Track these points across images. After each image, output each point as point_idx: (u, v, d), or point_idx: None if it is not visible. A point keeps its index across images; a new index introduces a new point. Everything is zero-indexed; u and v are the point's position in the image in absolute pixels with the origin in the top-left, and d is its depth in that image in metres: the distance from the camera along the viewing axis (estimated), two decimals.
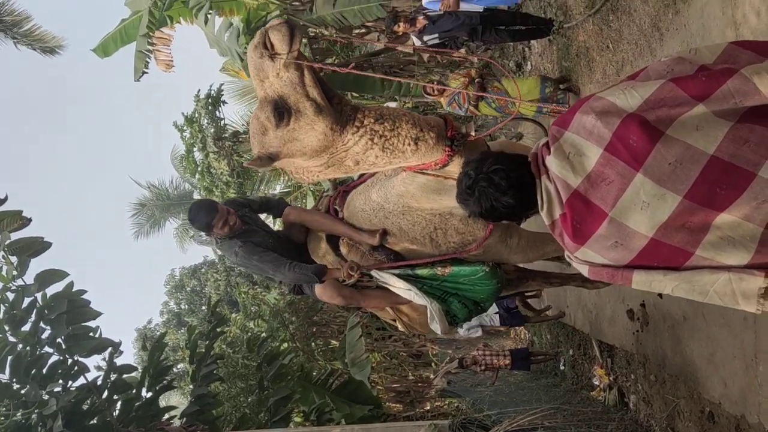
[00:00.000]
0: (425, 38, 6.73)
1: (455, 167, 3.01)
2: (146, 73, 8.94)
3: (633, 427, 5.35)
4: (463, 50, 7.93)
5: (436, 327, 3.58)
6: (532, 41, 8.15)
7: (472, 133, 3.25)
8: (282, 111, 2.76)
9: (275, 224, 5.93)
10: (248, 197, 4.43)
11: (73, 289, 5.45)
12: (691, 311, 4.29)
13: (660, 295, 4.79)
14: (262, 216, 4.08)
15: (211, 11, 8.22)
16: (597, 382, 6.54)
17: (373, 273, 3.65)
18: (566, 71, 6.75)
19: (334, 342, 12.25)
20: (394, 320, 4.15)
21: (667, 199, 1.60)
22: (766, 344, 3.39)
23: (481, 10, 6.64)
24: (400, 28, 6.62)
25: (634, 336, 5.47)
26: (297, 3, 9.30)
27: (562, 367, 8.59)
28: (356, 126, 2.88)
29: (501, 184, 1.83)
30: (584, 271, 1.87)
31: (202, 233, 3.89)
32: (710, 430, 4.08)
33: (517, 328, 12.53)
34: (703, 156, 1.56)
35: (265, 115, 2.80)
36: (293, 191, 14.70)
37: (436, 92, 6.55)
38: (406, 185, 3.30)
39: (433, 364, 11.99)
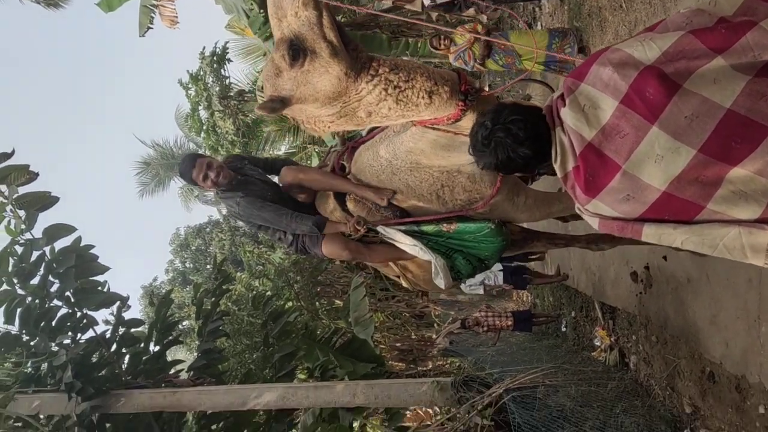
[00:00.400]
0: None
1: (467, 122, 2.99)
2: (151, 28, 8.85)
3: (633, 387, 5.43)
4: (472, 10, 7.81)
5: (440, 282, 3.60)
6: (542, 0, 8.02)
7: (486, 88, 3.22)
8: (297, 51, 2.69)
9: None
10: (252, 155, 4.42)
11: (81, 244, 5.49)
12: (696, 273, 4.31)
13: (665, 257, 4.82)
14: None
15: None
16: (598, 343, 6.62)
17: (379, 228, 3.65)
18: (578, 31, 6.65)
19: (338, 302, 12.38)
20: (399, 277, 4.18)
21: (682, 152, 1.60)
22: None
23: None
24: None
25: (637, 298, 5.51)
26: None
27: (563, 329, 8.68)
28: (371, 74, 2.83)
29: (519, 134, 1.83)
30: (594, 224, 1.87)
31: (194, 187, 3.91)
32: (710, 389, 4.13)
33: (520, 291, 12.63)
34: (720, 110, 1.55)
35: (280, 54, 2.73)
36: (298, 152, 14.68)
37: (443, 47, 6.49)
38: (415, 141, 3.29)
39: (435, 324, 12.12)
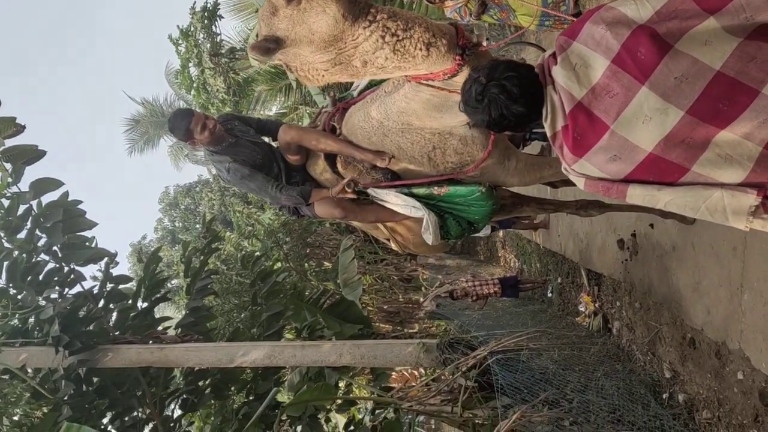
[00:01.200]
0: None
1: (463, 78, 2.97)
2: None
3: (614, 351, 5.52)
4: None
5: (429, 237, 3.62)
6: None
7: (484, 43, 3.16)
8: None
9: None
10: (244, 115, 4.36)
11: (68, 199, 5.45)
12: (681, 241, 4.35)
13: (651, 225, 4.85)
14: None
15: None
16: (583, 309, 6.70)
17: (370, 191, 3.65)
18: None
19: (327, 263, 12.44)
20: (388, 239, 4.19)
21: (670, 113, 1.60)
22: (753, 273, 3.46)
23: None
24: None
25: (623, 265, 5.57)
26: None
27: (549, 295, 8.78)
28: (368, 20, 2.75)
29: (513, 91, 1.81)
30: (580, 184, 1.88)
31: (185, 142, 3.83)
32: (690, 355, 4.21)
33: (507, 248, 12.71)
34: (710, 71, 1.55)
35: None
36: (290, 112, 14.55)
37: (438, 0, 6.39)
38: (408, 100, 3.26)
39: (423, 288, 12.23)
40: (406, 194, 3.58)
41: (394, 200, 3.59)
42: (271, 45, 2.74)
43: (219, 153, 3.72)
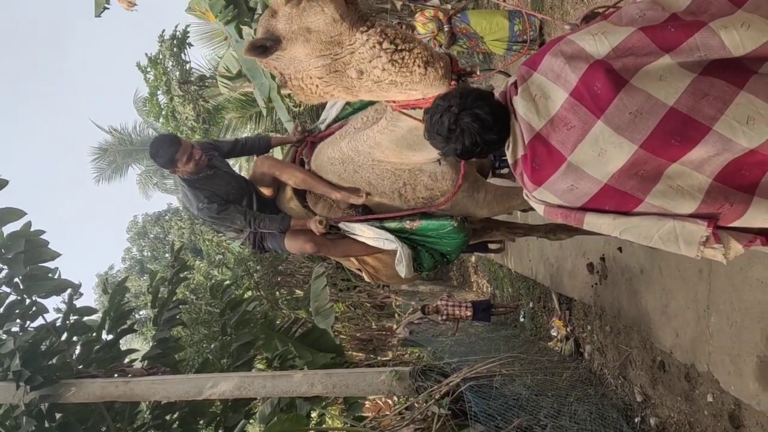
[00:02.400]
0: None
1: None
2: (107, 8, 8.56)
3: (587, 376, 5.53)
4: (436, 0, 7.80)
5: (402, 269, 3.59)
6: None
7: (478, 72, 3.17)
8: None
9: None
10: (218, 140, 4.28)
11: (31, 229, 5.32)
12: (649, 265, 4.40)
13: (620, 248, 4.90)
14: (231, 161, 3.99)
15: None
16: (555, 333, 6.73)
17: (341, 225, 3.63)
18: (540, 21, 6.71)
19: (298, 291, 12.32)
20: (360, 270, 4.15)
21: (624, 147, 1.63)
22: (719, 296, 3.50)
23: None
24: None
25: (593, 289, 5.61)
26: None
27: (522, 319, 8.80)
28: (367, 25, 2.73)
29: (487, 119, 1.82)
30: (540, 210, 1.91)
31: (166, 169, 3.73)
32: (661, 378, 4.23)
33: (479, 272, 12.74)
34: (663, 107, 1.59)
35: None
36: None
37: None
38: (380, 137, 3.26)
39: (396, 314, 12.17)
40: (378, 227, 3.56)
41: (367, 233, 3.57)
42: (268, 43, 2.70)
43: (194, 184, 3.62)
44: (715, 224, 1.66)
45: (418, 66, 2.77)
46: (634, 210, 1.73)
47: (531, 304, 8.33)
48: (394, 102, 3.02)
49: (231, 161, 4.05)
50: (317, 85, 2.83)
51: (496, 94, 1.96)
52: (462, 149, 1.88)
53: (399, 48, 2.73)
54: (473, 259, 13.16)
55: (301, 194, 3.76)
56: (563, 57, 1.71)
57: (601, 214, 1.78)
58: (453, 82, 2.89)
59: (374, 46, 2.71)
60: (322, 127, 3.89)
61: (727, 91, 1.54)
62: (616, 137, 1.63)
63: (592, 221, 1.80)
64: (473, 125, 1.83)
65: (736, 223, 1.66)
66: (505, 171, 6.81)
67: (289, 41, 2.70)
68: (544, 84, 1.75)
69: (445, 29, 6.30)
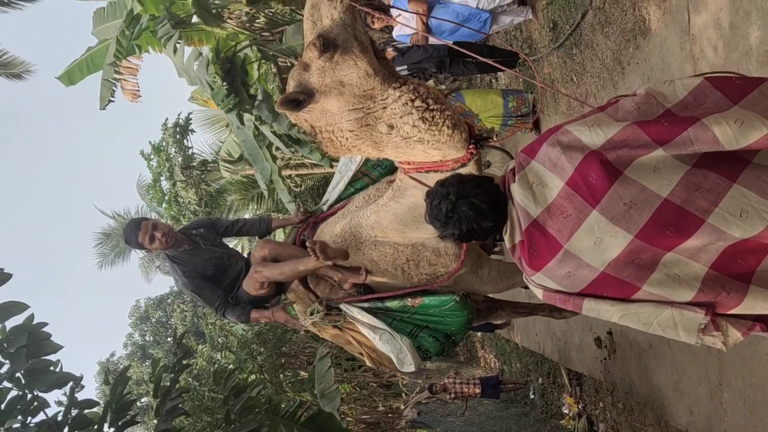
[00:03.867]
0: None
1: (470, 170, 2.99)
2: (112, 101, 8.83)
3: None
4: (431, 81, 8.06)
5: (410, 367, 3.52)
6: (498, 73, 8.32)
7: (494, 138, 3.24)
8: (328, 42, 2.66)
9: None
10: (217, 218, 4.37)
11: (34, 322, 5.28)
12: (657, 339, 4.35)
13: None
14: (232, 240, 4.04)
15: (180, 41, 8.21)
16: (566, 411, 6.56)
17: (342, 307, 3.61)
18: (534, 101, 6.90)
19: (303, 373, 12.09)
20: (361, 354, 4.09)
21: (619, 236, 1.66)
22: (730, 372, 3.44)
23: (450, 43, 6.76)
24: None
25: (602, 364, 5.52)
26: (267, 34, 9.37)
27: (532, 396, 8.60)
28: (399, 81, 2.79)
29: (483, 207, 1.88)
30: (539, 294, 1.94)
31: (140, 251, 3.89)
32: None
33: (486, 348, 12.53)
34: (657, 199, 1.62)
35: (311, 45, 2.69)
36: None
37: None
38: (382, 214, 3.30)
39: (403, 394, 11.89)
40: (379, 308, 3.54)
41: (365, 320, 3.54)
42: (301, 96, 2.73)
43: (173, 259, 3.76)
44: (713, 312, 1.66)
45: (447, 126, 2.82)
46: (632, 297, 1.75)
47: (540, 380, 8.16)
48: (409, 164, 3.05)
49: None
50: (347, 138, 2.87)
51: (493, 169, 2.02)
52: (459, 234, 1.93)
53: (430, 107, 2.79)
54: (479, 334, 12.99)
55: (303, 279, 3.76)
56: (560, 146, 1.77)
57: (600, 300, 1.80)
58: (471, 146, 2.95)
59: (407, 103, 2.76)
60: (325, 208, 3.93)
61: (720, 183, 1.58)
62: (612, 227, 1.66)
63: (590, 307, 1.82)
64: (469, 213, 1.88)
65: (734, 311, 1.67)
66: (497, 249, 6.85)
67: (323, 94, 2.74)
68: (542, 172, 1.80)
69: None
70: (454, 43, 6.79)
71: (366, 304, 3.57)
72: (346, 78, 2.71)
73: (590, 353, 5.84)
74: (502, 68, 6.13)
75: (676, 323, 1.71)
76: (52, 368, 5.39)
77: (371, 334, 3.55)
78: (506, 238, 1.92)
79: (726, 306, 1.67)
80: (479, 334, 12.90)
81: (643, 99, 1.78)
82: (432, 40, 6.67)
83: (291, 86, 2.80)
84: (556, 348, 7.10)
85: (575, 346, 6.36)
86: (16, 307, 5.20)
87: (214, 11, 8.52)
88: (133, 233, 3.69)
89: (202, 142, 16.54)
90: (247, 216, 16.40)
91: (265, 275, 3.62)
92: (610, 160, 1.66)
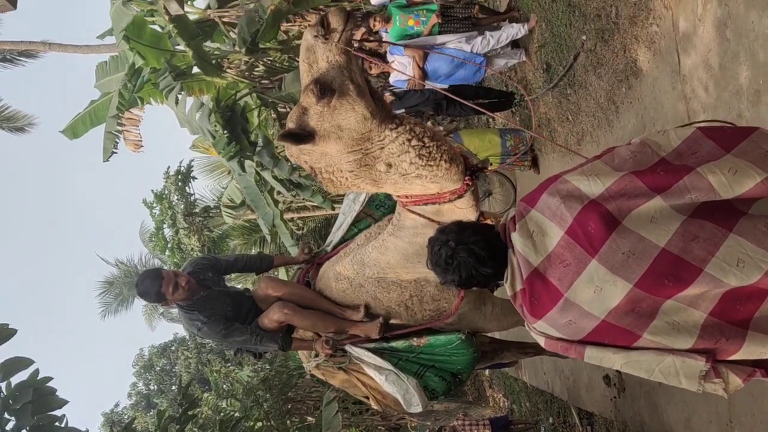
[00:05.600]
0: None
1: (465, 203, 3.03)
2: (115, 153, 8.97)
3: None
4: (429, 123, 8.17)
5: (417, 407, 3.52)
6: (495, 113, 8.44)
7: (489, 167, 3.30)
8: (325, 87, 2.72)
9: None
10: (219, 257, 4.35)
11: (39, 377, 5.29)
12: None
13: None
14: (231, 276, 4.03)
15: (181, 92, 8.37)
16: None
17: (347, 348, 3.62)
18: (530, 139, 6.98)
19: (310, 418, 11.94)
20: (367, 398, 4.08)
21: (619, 285, 1.68)
22: (740, 409, 3.42)
23: (446, 87, 6.88)
24: None
25: (612, 402, 5.46)
26: (266, 81, 9.54)
27: None
28: (396, 122, 2.85)
29: (482, 254, 1.90)
30: (541, 342, 1.95)
31: (158, 304, 3.77)
32: None
33: (495, 387, 12.39)
34: (655, 248, 1.65)
35: (308, 90, 2.74)
36: None
37: None
38: (383, 250, 3.32)
39: None
40: (384, 349, 3.54)
41: (371, 361, 3.55)
42: (303, 134, 2.77)
43: (191, 308, 3.65)
44: (713, 359, 1.68)
45: (444, 161, 2.88)
46: (633, 345, 1.76)
47: (551, 420, 8.05)
48: (407, 197, 3.10)
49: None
50: (347, 177, 2.92)
51: (494, 198, 2.05)
52: (459, 281, 1.95)
53: (426, 145, 2.85)
54: (487, 372, 12.85)
55: None
56: (559, 196, 1.80)
57: (602, 347, 1.81)
58: (467, 178, 3.00)
59: (404, 143, 2.83)
60: (329, 249, 3.96)
61: (717, 233, 1.61)
62: (611, 276, 1.68)
63: (592, 355, 1.83)
64: (468, 260, 1.90)
65: (734, 357, 1.68)
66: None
67: (322, 138, 2.80)
68: (542, 221, 1.83)
69: None
70: (451, 86, 6.94)
71: (371, 345, 3.58)
72: (344, 123, 2.76)
73: (599, 392, 5.78)
74: (491, 114, 6.25)
75: (678, 371, 1.72)
76: (57, 423, 5.38)
77: (377, 375, 3.55)
78: (507, 286, 1.94)
79: (726, 352, 1.68)
80: (487, 372, 12.77)
81: (638, 148, 1.82)
82: (428, 85, 6.80)
83: (291, 126, 2.86)
84: (565, 387, 7.03)
85: (584, 385, 6.30)
86: (22, 363, 5.22)
87: (213, 61, 8.70)
88: (154, 285, 3.54)
89: (203, 187, 16.68)
90: None
91: (295, 322, 3.61)
92: (609, 210, 1.69)
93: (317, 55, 2.76)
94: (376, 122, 2.79)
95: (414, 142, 2.83)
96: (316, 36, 2.73)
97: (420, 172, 2.88)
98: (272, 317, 3.60)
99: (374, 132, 2.81)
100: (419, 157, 2.84)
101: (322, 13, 2.86)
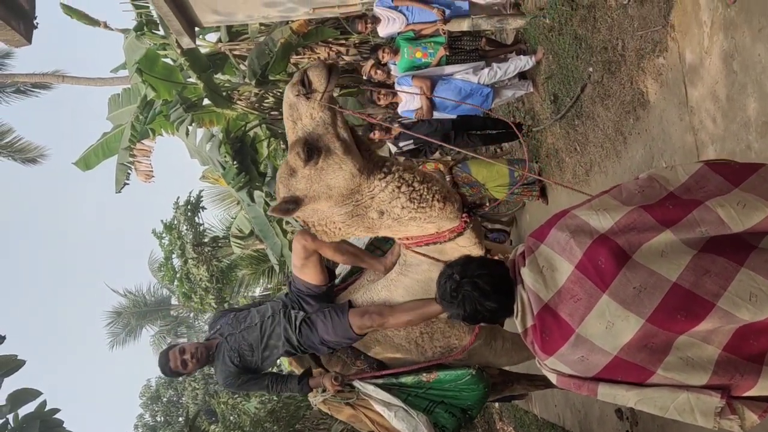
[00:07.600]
0: (401, 144, 6.97)
1: (467, 240, 3.02)
2: (127, 184, 9.06)
3: None
4: (437, 154, 8.21)
5: None
6: (503, 144, 8.47)
7: (486, 204, 3.30)
8: (312, 149, 2.70)
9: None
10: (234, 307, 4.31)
11: (46, 408, 5.27)
12: None
13: None
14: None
15: (191, 124, 8.47)
16: None
17: (356, 383, 3.59)
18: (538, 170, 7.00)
19: None
20: None
21: (631, 320, 1.67)
22: None
23: (454, 117, 6.94)
24: (376, 136, 6.86)
25: None
26: (275, 113, 9.65)
27: None
28: (384, 171, 2.84)
29: (486, 288, 1.89)
30: (553, 379, 1.92)
31: (180, 378, 3.89)
32: None
33: (505, 420, 12.20)
34: (666, 282, 1.64)
35: (294, 153, 2.73)
36: (274, 293, 14.62)
37: None
38: (392, 289, 3.32)
39: None
40: (393, 385, 3.51)
41: (379, 396, 3.51)
42: (290, 206, 2.79)
43: (211, 364, 3.74)
44: (728, 395, 1.66)
45: (437, 200, 2.88)
46: (647, 381, 1.74)
47: None
48: (408, 239, 3.10)
49: None
50: (340, 228, 2.94)
51: (503, 250, 2.04)
52: (464, 315, 1.95)
53: (417, 189, 2.85)
54: (497, 405, 12.69)
55: (317, 358, 3.76)
56: (568, 231, 1.80)
57: (615, 384, 1.78)
58: (464, 215, 2.99)
59: (393, 191, 2.83)
60: (337, 281, 3.96)
61: (728, 267, 1.60)
62: (623, 311, 1.67)
63: (605, 392, 1.80)
64: (473, 293, 1.90)
65: (749, 393, 1.66)
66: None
67: (311, 199, 2.81)
68: (551, 256, 1.83)
69: (447, 180, 6.57)
70: (458, 116, 6.99)
71: (380, 380, 3.55)
72: (333, 181, 2.78)
73: (612, 425, 5.69)
74: (498, 144, 6.24)
75: (693, 407, 1.69)
76: None
77: (386, 411, 3.51)
78: (518, 322, 1.93)
79: (741, 388, 1.66)
80: (497, 405, 12.61)
81: (646, 182, 1.82)
82: (436, 115, 6.86)
83: (280, 191, 2.88)
84: (577, 420, 6.91)
85: (596, 418, 6.20)
86: (29, 394, 5.22)
87: (224, 94, 8.83)
88: (166, 366, 3.70)
89: (212, 217, 16.77)
90: (257, 291, 16.38)
91: (390, 324, 3.39)
92: (619, 244, 1.69)
93: (300, 112, 2.76)
94: (364, 176, 2.81)
95: (404, 189, 2.84)
96: (297, 95, 2.73)
97: (413, 215, 2.89)
98: (358, 323, 3.45)
99: (363, 185, 2.83)
100: (410, 201, 2.85)
101: (302, 69, 2.87)
